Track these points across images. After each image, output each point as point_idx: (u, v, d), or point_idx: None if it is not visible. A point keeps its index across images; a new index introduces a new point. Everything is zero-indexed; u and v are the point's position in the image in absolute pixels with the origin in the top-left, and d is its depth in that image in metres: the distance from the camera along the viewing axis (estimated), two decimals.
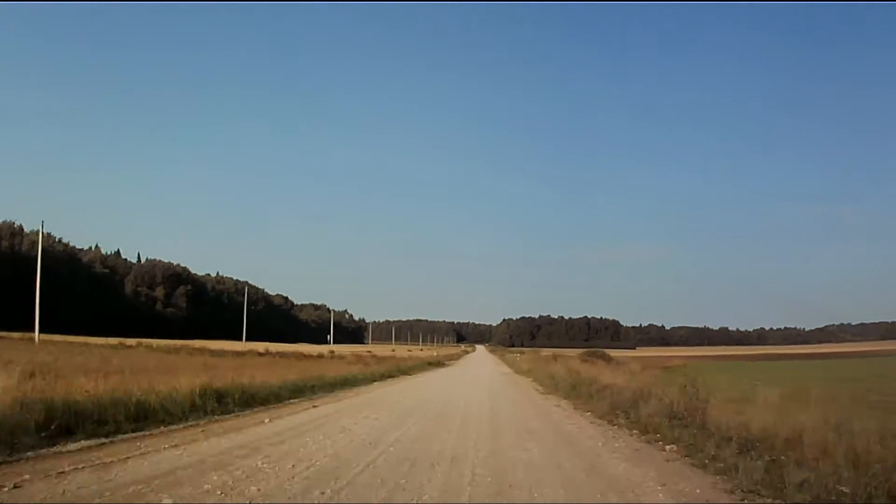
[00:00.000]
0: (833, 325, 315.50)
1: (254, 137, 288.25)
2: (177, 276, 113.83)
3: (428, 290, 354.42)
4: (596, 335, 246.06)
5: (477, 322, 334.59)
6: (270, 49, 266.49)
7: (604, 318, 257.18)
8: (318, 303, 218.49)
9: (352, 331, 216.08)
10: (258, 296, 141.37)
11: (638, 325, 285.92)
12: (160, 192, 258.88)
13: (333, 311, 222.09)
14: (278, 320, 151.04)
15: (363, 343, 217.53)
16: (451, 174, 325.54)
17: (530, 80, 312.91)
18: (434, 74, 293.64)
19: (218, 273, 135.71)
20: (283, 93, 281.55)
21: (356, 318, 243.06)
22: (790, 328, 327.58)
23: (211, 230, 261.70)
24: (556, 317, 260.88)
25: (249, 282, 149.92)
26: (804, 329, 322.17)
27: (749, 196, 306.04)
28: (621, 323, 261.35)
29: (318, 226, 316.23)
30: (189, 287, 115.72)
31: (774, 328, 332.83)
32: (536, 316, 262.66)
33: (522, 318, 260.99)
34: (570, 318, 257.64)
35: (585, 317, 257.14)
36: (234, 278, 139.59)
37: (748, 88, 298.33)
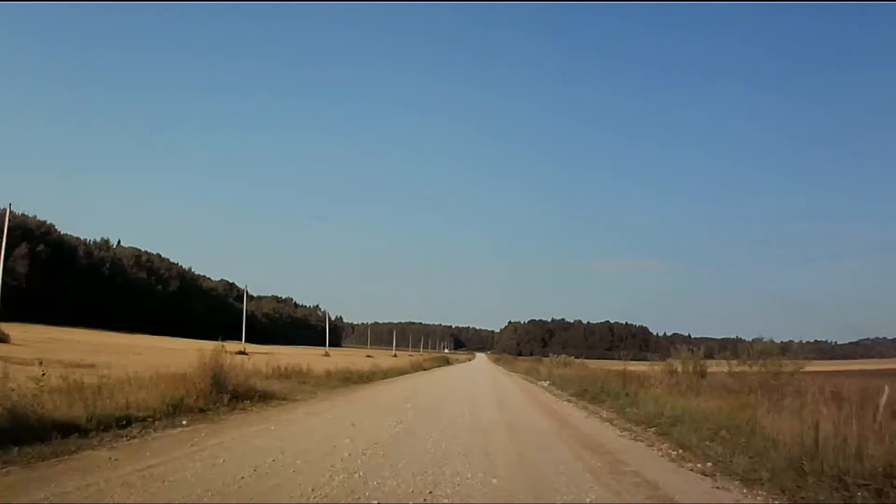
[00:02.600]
0: (868, 339, 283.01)
1: (250, 141, 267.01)
2: (20, 231, 73.88)
3: (424, 290, 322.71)
4: (621, 343, 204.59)
5: (478, 327, 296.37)
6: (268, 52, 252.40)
7: (629, 323, 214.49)
8: (284, 295, 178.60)
9: (322, 330, 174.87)
10: (170, 273, 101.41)
11: (662, 333, 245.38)
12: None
13: (300, 305, 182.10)
14: (208, 309, 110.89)
15: (339, 346, 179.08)
16: (455, 178, 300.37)
17: (539, 89, 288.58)
18: (437, 82, 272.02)
19: (107, 238, 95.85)
20: (282, 95, 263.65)
21: (333, 315, 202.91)
22: (821, 341, 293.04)
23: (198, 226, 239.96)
24: (571, 321, 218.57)
25: (162, 253, 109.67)
26: (836, 342, 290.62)
27: (761, 214, 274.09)
28: (650, 330, 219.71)
29: (313, 224, 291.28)
30: (43, 248, 76.04)
31: (804, 341, 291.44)
32: (548, 319, 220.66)
33: (532, 321, 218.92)
34: (588, 323, 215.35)
35: (607, 321, 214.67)
36: (142, 249, 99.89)
37: (763, 112, 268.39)
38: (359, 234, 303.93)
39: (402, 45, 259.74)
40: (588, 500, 6.31)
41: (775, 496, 6.75)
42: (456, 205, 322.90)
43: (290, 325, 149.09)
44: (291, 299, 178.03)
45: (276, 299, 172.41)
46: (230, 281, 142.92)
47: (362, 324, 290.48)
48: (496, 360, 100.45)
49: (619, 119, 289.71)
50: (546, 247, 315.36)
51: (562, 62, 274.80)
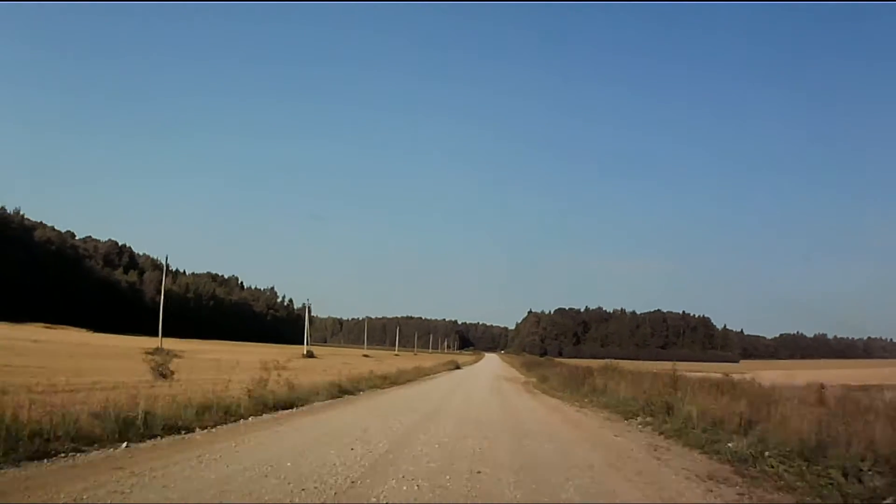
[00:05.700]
0: None
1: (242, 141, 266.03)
2: None
3: (426, 284, 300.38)
4: (678, 339, 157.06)
5: (489, 323, 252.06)
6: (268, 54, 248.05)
7: (688, 313, 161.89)
8: (228, 275, 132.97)
9: (272, 320, 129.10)
10: None
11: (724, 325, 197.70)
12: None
13: (248, 287, 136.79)
14: (40, 275, 66.00)
15: (291, 343, 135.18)
16: (457, 175, 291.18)
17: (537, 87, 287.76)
18: (436, 81, 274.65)
19: None
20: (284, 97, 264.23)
21: (297, 303, 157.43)
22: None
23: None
24: (610, 311, 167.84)
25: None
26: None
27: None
28: (713, 322, 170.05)
29: (311, 220, 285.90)
30: None
31: (879, 337, 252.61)
32: (581, 308, 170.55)
33: (560, 311, 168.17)
34: (633, 313, 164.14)
35: (659, 311, 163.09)
36: None
37: (770, 108, 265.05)
38: (357, 232, 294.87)
39: (399, 46, 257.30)
40: None
41: None
42: (456, 202, 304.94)
43: (215, 308, 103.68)
44: (236, 278, 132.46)
45: (214, 278, 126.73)
46: (120, 242, 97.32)
47: (354, 318, 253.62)
48: (525, 367, 54.09)
49: (616, 114, 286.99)
50: (558, 244, 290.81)
51: (562, 60, 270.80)
